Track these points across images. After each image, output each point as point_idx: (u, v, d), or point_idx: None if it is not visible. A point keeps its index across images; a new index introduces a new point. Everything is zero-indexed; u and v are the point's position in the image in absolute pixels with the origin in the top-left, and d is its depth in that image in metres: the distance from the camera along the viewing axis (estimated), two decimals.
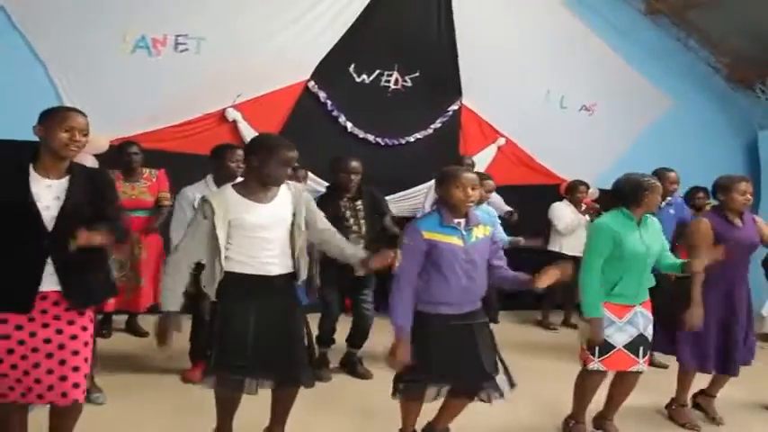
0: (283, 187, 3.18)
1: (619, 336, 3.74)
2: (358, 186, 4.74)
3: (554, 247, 6.67)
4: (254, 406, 3.28)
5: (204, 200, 3.06)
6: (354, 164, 4.69)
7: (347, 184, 4.68)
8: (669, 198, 5.40)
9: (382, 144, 6.81)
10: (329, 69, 6.55)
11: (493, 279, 3.43)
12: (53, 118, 2.74)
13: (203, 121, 6.07)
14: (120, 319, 5.51)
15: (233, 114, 6.13)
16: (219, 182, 4.03)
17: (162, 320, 3.06)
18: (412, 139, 6.97)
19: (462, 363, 3.30)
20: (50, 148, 2.73)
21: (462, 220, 3.27)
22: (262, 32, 6.20)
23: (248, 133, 6.15)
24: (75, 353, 2.80)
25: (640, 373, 3.86)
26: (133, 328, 5.48)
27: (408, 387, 3.38)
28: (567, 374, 4.04)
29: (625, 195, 3.75)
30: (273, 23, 6.26)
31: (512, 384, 3.43)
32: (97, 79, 5.66)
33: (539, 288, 3.35)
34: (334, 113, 6.58)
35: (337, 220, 4.31)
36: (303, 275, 3.27)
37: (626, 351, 3.75)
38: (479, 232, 3.32)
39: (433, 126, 7.07)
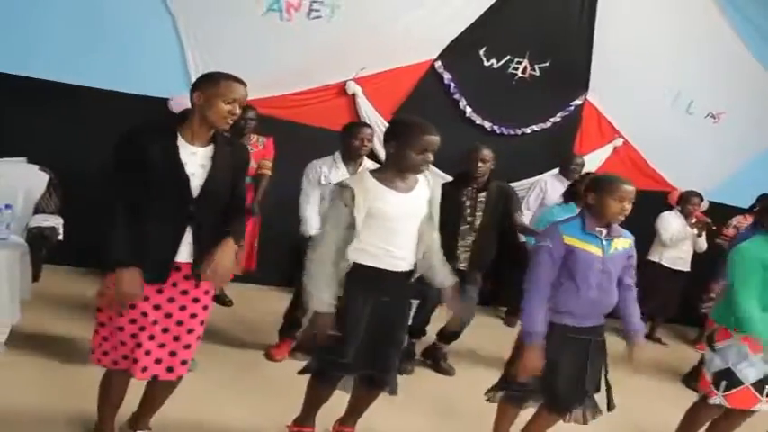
0: (421, 177, 3.02)
1: (750, 371, 3.49)
2: (486, 178, 4.52)
3: (653, 257, 6.43)
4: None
5: (344, 185, 2.90)
6: (486, 152, 4.46)
7: (474, 171, 4.45)
8: None
9: (497, 132, 6.46)
10: (458, 50, 6.18)
11: (618, 300, 3.26)
12: (216, 87, 2.55)
13: (322, 92, 5.81)
14: None
15: (353, 88, 5.85)
16: (346, 159, 4.25)
17: (310, 324, 2.90)
18: (528, 131, 6.63)
19: (562, 379, 3.18)
20: (206, 117, 2.57)
21: (604, 230, 3.12)
22: (395, 6, 5.82)
23: (366, 108, 5.93)
24: (191, 331, 2.74)
25: (753, 412, 3.62)
26: (218, 297, 5.28)
27: (510, 395, 3.36)
28: (653, 391, 3.77)
29: None
30: None
31: (610, 406, 3.29)
32: (224, 38, 5.40)
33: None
34: (456, 96, 6.25)
35: (454, 209, 4.22)
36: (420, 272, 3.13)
37: (752, 389, 3.51)
38: (619, 244, 3.17)
39: (552, 119, 6.69)
